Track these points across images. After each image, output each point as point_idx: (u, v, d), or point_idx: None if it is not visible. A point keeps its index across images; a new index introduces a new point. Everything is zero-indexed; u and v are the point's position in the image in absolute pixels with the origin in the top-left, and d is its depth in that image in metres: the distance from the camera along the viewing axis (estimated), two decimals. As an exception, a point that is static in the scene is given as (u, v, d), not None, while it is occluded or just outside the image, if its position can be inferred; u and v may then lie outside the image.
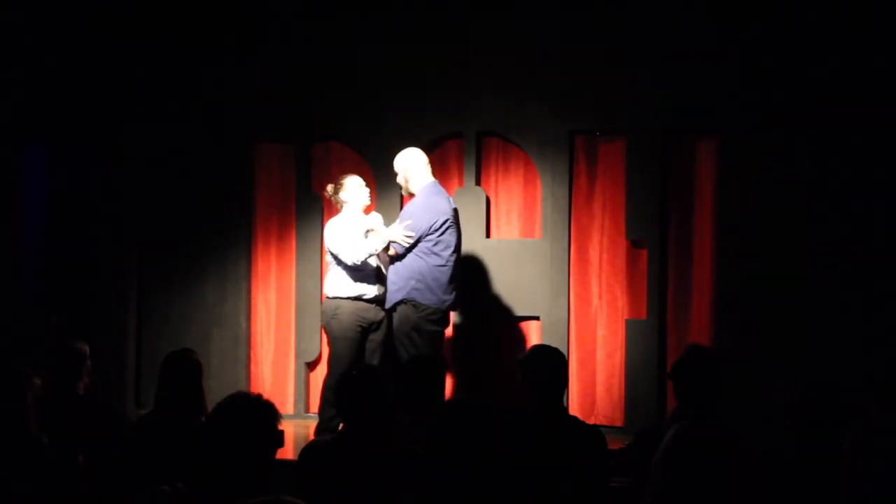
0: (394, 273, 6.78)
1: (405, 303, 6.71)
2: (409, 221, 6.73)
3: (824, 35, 6.97)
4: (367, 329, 7.00)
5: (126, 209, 8.22)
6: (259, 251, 8.25)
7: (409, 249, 6.70)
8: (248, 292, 8.19)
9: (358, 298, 6.96)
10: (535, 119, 7.60)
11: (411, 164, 6.91)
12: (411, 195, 6.98)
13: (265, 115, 8.12)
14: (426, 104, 7.79)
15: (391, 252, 6.78)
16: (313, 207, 8.04)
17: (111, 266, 8.19)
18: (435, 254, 6.72)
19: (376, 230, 6.95)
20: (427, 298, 6.69)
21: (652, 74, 7.35)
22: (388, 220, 7.28)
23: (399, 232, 6.72)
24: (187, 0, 8.14)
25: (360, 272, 6.92)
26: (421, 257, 6.72)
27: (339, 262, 6.93)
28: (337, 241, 6.91)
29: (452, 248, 6.81)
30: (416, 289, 6.68)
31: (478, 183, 7.77)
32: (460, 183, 7.80)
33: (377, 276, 7.00)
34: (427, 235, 6.71)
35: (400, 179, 6.95)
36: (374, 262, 6.99)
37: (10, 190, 7.88)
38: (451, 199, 6.98)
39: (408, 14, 7.82)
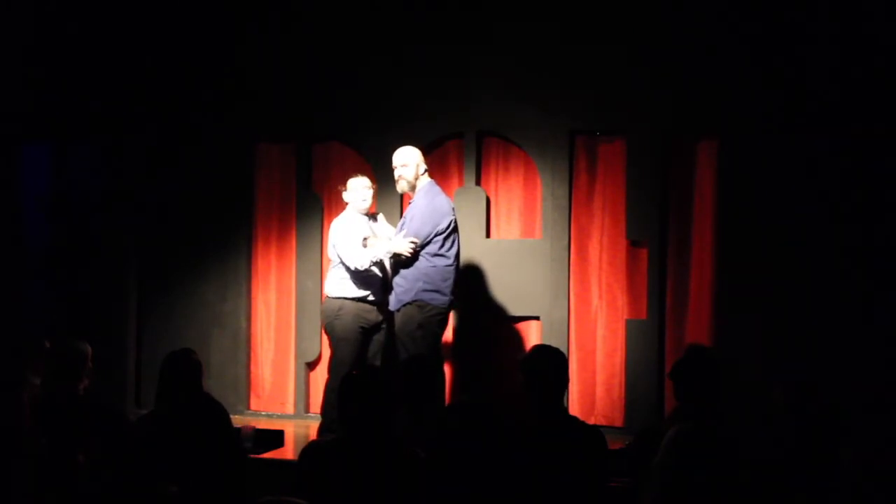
0: (400, 276, 6.77)
1: (411, 304, 6.71)
2: (413, 226, 6.70)
3: (824, 35, 6.97)
4: (368, 330, 6.99)
5: (126, 209, 8.23)
6: (259, 251, 8.26)
7: (417, 253, 6.70)
8: (248, 292, 8.20)
9: (362, 300, 6.95)
10: (535, 119, 7.60)
11: (420, 160, 6.88)
12: (408, 192, 6.96)
13: (265, 115, 8.13)
14: (426, 104, 7.79)
15: (402, 257, 6.74)
16: (313, 207, 8.05)
17: (111, 266, 8.20)
18: (441, 255, 6.72)
19: (378, 238, 6.95)
20: (435, 299, 6.68)
21: (652, 74, 7.35)
22: (390, 220, 7.29)
23: (404, 244, 6.68)
24: (187, 1, 8.15)
25: (364, 273, 6.91)
26: (428, 259, 6.70)
27: (344, 263, 6.93)
28: (342, 244, 6.91)
29: (457, 247, 6.82)
30: (425, 290, 6.67)
31: (478, 183, 7.77)
32: (460, 183, 7.79)
33: (381, 278, 7.00)
34: (434, 238, 6.70)
35: (409, 171, 6.83)
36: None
37: (10, 190, 7.89)
38: (449, 198, 7.00)
39: (408, 14, 7.83)
